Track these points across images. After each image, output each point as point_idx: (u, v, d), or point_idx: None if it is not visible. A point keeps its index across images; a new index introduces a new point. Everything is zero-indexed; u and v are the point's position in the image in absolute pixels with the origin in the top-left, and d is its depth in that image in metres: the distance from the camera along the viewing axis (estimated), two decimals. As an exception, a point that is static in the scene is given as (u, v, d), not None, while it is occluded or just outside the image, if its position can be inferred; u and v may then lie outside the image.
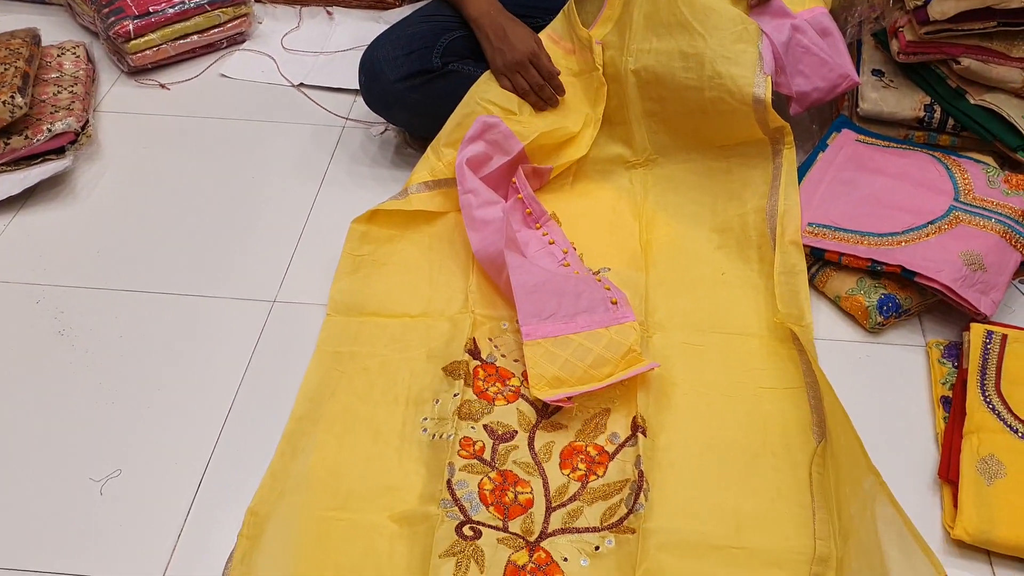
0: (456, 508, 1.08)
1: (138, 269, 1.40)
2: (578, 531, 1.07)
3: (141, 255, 1.43)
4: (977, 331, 1.21)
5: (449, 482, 1.10)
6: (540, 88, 1.46)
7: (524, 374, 1.22)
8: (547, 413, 1.19)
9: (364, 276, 1.36)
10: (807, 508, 1.08)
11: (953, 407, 1.17)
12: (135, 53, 1.79)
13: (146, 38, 1.79)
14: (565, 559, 1.05)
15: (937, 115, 1.45)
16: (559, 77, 1.48)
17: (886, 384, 1.24)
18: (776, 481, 1.11)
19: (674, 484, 1.11)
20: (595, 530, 1.07)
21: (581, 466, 1.14)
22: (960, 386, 1.18)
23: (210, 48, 1.89)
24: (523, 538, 1.06)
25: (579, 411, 1.19)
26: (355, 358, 1.26)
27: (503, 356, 1.26)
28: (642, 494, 1.08)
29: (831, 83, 1.43)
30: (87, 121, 1.62)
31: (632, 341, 1.21)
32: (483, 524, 1.07)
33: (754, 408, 1.19)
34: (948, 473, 1.10)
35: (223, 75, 1.85)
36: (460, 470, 1.12)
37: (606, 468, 1.13)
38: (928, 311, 1.32)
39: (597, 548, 1.05)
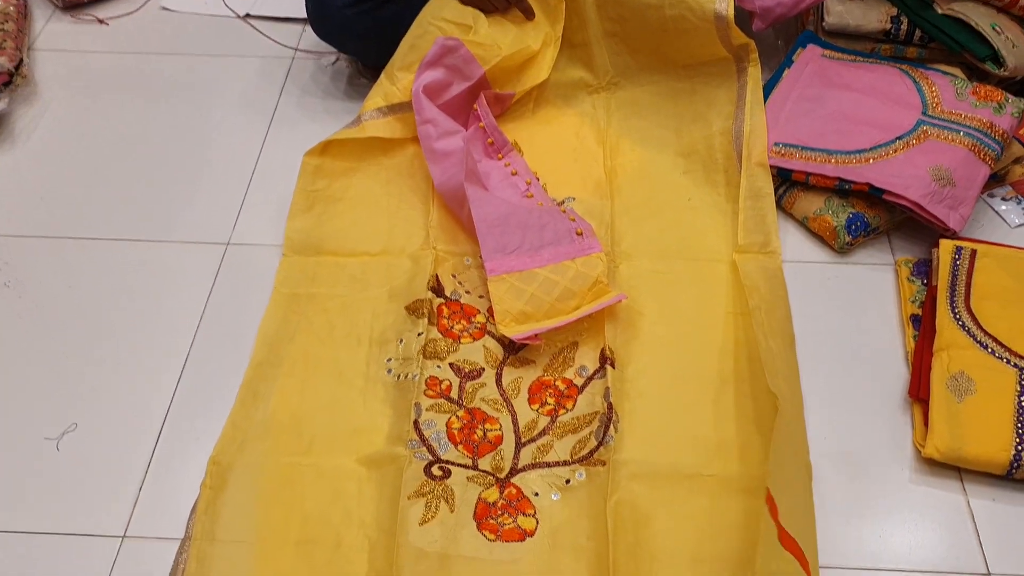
0: (424, 448, 1.06)
1: (84, 215, 1.35)
2: (548, 465, 1.06)
3: (86, 200, 1.37)
4: (946, 247, 1.20)
5: (416, 422, 1.08)
6: (492, 9, 1.40)
7: (490, 310, 1.19)
8: (514, 349, 1.16)
9: (319, 213, 1.32)
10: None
11: (923, 325, 1.16)
12: (69, -13, 1.70)
13: (80, -30, 1.70)
14: (536, 494, 1.03)
15: (904, 26, 1.41)
16: None
17: (856, 304, 1.22)
18: (746, 407, 1.10)
19: (643, 414, 1.09)
20: (565, 464, 1.06)
21: (550, 400, 1.12)
22: (930, 303, 1.17)
23: (149, -21, 1.80)
24: (493, 475, 1.05)
25: (547, 346, 1.17)
26: (314, 299, 1.22)
27: (467, 292, 1.23)
28: (612, 426, 1.06)
29: None
30: (21, 60, 1.54)
31: (599, 272, 1.18)
32: (452, 463, 1.05)
33: (723, 334, 1.17)
34: (919, 392, 1.09)
35: (164, 8, 1.76)
36: (427, 410, 1.10)
37: (575, 401, 1.11)
38: (897, 229, 1.30)
39: (568, 481, 1.04)
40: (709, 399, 1.11)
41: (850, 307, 1.22)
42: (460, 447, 1.07)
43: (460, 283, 1.24)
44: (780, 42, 1.58)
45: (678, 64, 1.42)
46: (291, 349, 1.17)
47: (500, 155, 1.38)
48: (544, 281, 1.18)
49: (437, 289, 1.22)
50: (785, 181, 1.31)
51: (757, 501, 1.00)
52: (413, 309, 1.20)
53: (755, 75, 1.36)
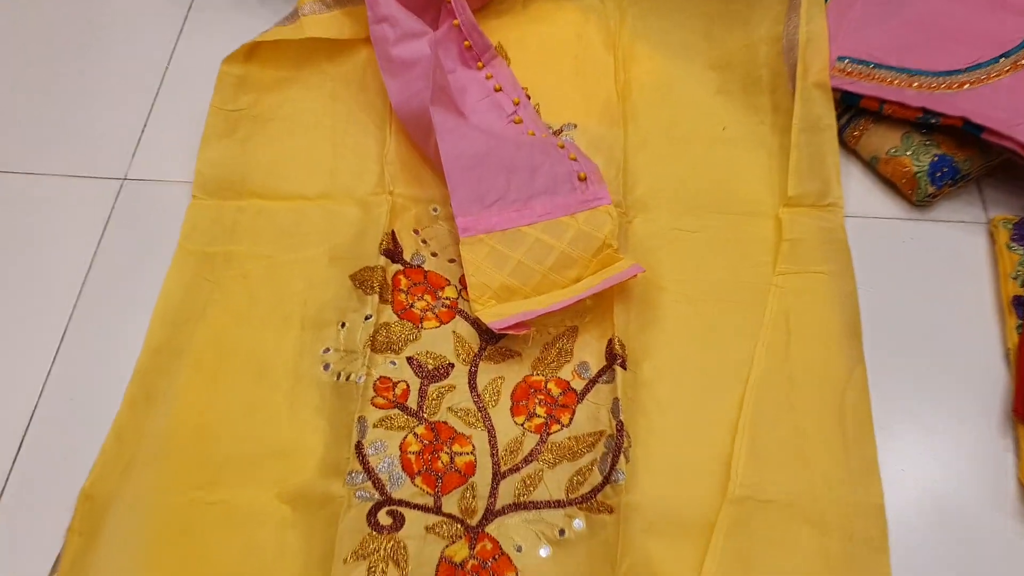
0: (369, 483, 0.79)
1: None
2: (536, 506, 0.79)
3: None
4: (1062, 206, 0.91)
5: (359, 445, 0.81)
6: None
7: (462, 280, 0.91)
8: (494, 337, 0.89)
9: (242, 140, 1.02)
10: (842, 440, 0.82)
11: (1031, 313, 0.88)
12: None
13: None
14: (519, 548, 0.77)
15: (1006, -99, 1.09)
16: None
17: (939, 277, 0.94)
18: (804, 406, 0.84)
19: (662, 434, 0.82)
20: (559, 505, 0.79)
21: (540, 411, 0.84)
22: (1039, 282, 0.89)
23: None
24: (461, 521, 0.78)
25: (538, 332, 0.89)
26: (231, 260, 0.94)
27: (434, 255, 0.94)
28: (622, 454, 0.80)
29: None
30: None
31: (607, 232, 0.89)
32: (407, 504, 0.79)
33: (772, 307, 0.89)
34: (1026, 408, 0.82)
35: None
36: (375, 426, 0.83)
37: (573, 414, 0.84)
38: (990, 176, 1.01)
39: (562, 532, 0.78)
40: (752, 406, 0.83)
41: (932, 281, 0.94)
42: (418, 479, 0.80)
43: (425, 241, 0.95)
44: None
45: None
46: (199, 331, 0.89)
47: (480, 63, 1.06)
48: (535, 244, 0.89)
49: (393, 252, 0.93)
50: (850, 109, 1.02)
51: (827, 537, 0.76)
52: (360, 280, 0.91)
53: None
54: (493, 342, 0.88)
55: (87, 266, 0.94)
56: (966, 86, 0.97)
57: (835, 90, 1.00)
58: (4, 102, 1.09)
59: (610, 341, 0.87)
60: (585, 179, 0.93)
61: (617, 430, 0.81)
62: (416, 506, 0.79)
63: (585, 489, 0.80)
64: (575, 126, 1.03)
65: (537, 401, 0.85)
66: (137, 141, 1.05)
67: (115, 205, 0.99)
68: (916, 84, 0.98)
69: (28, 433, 0.84)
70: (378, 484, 0.79)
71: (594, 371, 0.86)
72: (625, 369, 0.85)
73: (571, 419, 0.84)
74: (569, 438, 0.83)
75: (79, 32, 1.16)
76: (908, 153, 0.98)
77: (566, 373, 0.86)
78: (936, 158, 0.97)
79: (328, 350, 0.88)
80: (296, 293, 0.91)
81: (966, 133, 0.95)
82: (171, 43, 1.14)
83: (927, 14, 1.03)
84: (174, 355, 0.87)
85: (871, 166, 1.01)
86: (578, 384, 0.86)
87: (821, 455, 0.81)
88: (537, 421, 0.84)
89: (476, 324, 0.89)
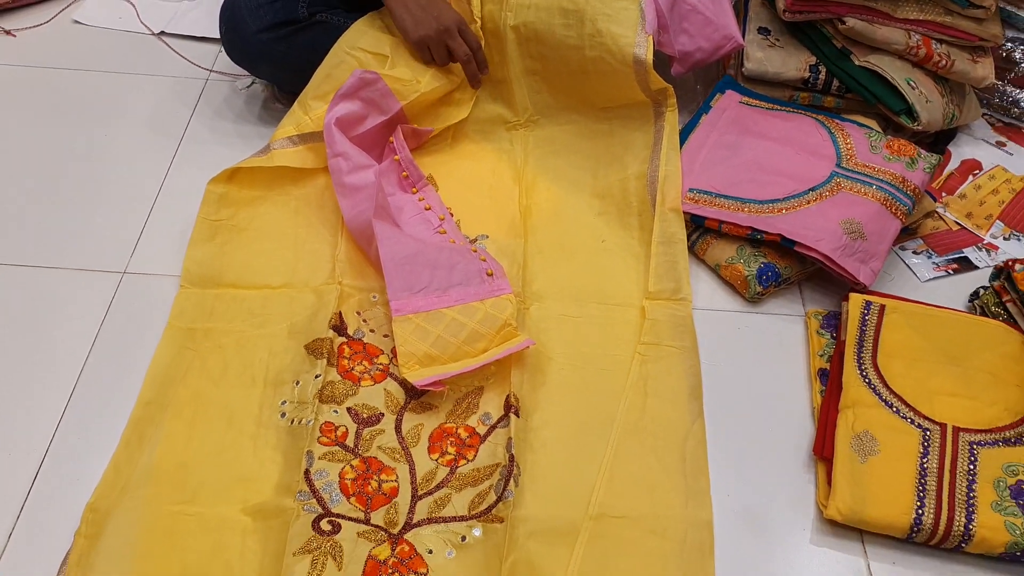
0: (314, 500, 1.01)
1: (-26, 237, 1.28)
2: (445, 520, 1.02)
3: (-23, 222, 1.31)
4: (855, 301, 1.19)
5: (307, 472, 1.03)
6: (467, 61, 1.36)
7: (393, 351, 1.15)
8: (416, 394, 1.13)
9: (222, 243, 1.27)
10: (681, 473, 1.06)
11: (830, 381, 1.15)
12: (-26, -5, 1.63)
13: (-13, -22, 1.63)
14: (430, 551, 0.99)
15: (822, 76, 1.42)
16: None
17: (765, 355, 1.21)
18: (653, 446, 1.08)
19: (545, 467, 1.06)
20: (462, 519, 1.02)
21: (451, 450, 1.08)
22: (838, 358, 1.16)
23: (62, -10, 1.74)
24: (385, 530, 1.00)
25: (451, 390, 1.13)
26: (209, 335, 1.17)
27: (372, 331, 1.19)
28: (512, 480, 1.03)
29: (715, 44, 1.39)
30: (-85, 71, 1.47)
31: (508, 315, 1.15)
32: (343, 517, 1.01)
33: (633, 373, 1.15)
34: (823, 450, 1.08)
35: (76, 21, 1.70)
36: (320, 458, 1.05)
37: (476, 451, 1.08)
38: (808, 280, 1.29)
39: (464, 539, 1.00)
40: (615, 446, 1.08)
41: (759, 358, 1.21)
42: (352, 499, 1.03)
43: (365, 320, 1.20)
44: (699, 87, 1.57)
45: (597, 106, 1.41)
46: (181, 389, 1.11)
47: (414, 189, 1.35)
48: (451, 322, 1.14)
49: (339, 327, 1.18)
50: (698, 228, 1.30)
51: (666, 543, 1.00)
52: (313, 349, 1.15)
53: (672, 120, 1.35)
54: (416, 397, 1.12)
55: (93, 337, 1.17)
56: (784, 211, 1.26)
57: (687, 213, 1.29)
58: (30, 210, 1.32)
59: (507, 396, 1.11)
60: (492, 274, 1.19)
61: (509, 461, 1.04)
62: (350, 518, 1.01)
63: (483, 507, 1.02)
64: (487, 236, 1.30)
65: (449, 442, 1.09)
66: (136, 241, 1.29)
67: (116, 292, 1.22)
68: (746, 209, 1.27)
69: (43, 463, 1.04)
70: (321, 501, 1.01)
71: (495, 419, 1.11)
72: (518, 417, 1.09)
73: (475, 455, 1.07)
74: (473, 470, 1.06)
75: (94, 152, 1.42)
76: (741, 261, 1.26)
77: (473, 421, 1.11)
78: (763, 265, 1.25)
79: (285, 402, 1.11)
80: (260, 359, 1.15)
81: (784, 246, 1.24)
82: (166, 166, 1.40)
83: (755, 158, 1.33)
84: (160, 408, 1.09)
85: (715, 271, 1.29)
86: (481, 429, 1.10)
87: (665, 484, 1.05)
88: (448, 457, 1.07)
89: (403, 384, 1.13)
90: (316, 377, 1.12)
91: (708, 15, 1.36)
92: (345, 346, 1.16)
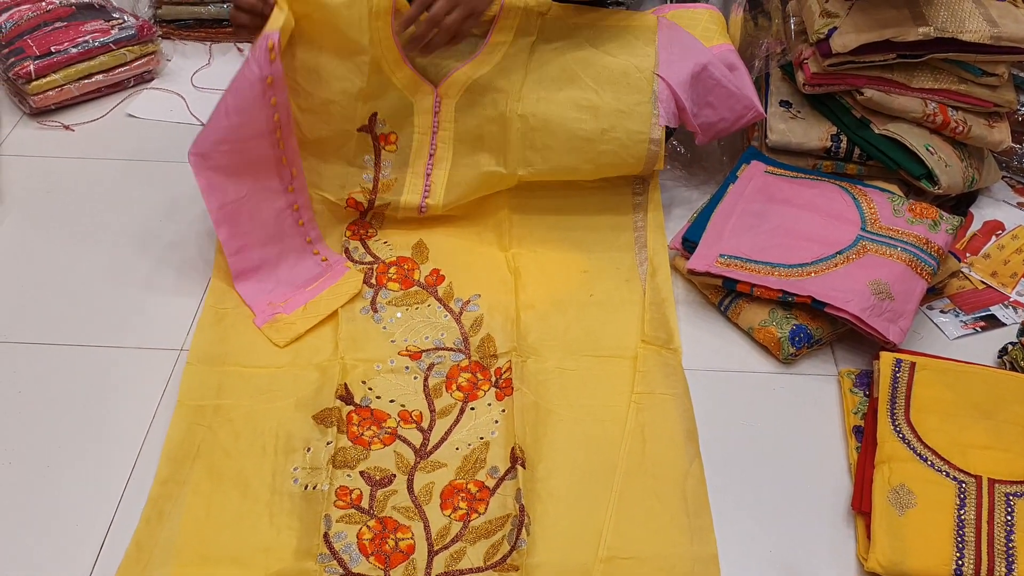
0: (335, 562, 1.06)
1: (38, 319, 1.35)
2: (462, 573, 1.06)
3: (41, 304, 1.38)
4: (886, 360, 1.23)
5: (326, 535, 1.08)
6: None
7: (401, 414, 1.22)
8: (425, 454, 1.18)
9: (228, 327, 1.32)
10: (684, 512, 1.12)
11: (865, 437, 1.18)
12: (37, 94, 1.73)
13: (48, 79, 1.74)
14: None
15: (844, 145, 1.48)
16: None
17: (800, 415, 1.24)
18: (655, 488, 1.13)
19: (554, 515, 1.11)
20: (479, 570, 1.06)
21: (462, 505, 1.13)
22: (871, 415, 1.19)
23: (117, 87, 1.84)
24: None
25: (458, 447, 1.19)
26: (219, 411, 1.21)
27: (378, 398, 1.24)
28: (523, 529, 1.07)
29: (737, 114, 1.45)
30: (-16, 166, 1.56)
31: (355, 284, 1.35)
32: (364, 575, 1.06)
33: (631, 421, 1.20)
34: (861, 504, 1.10)
35: (130, 115, 1.80)
36: (337, 521, 1.10)
37: (487, 505, 1.13)
38: (839, 340, 1.33)
39: None
40: (619, 490, 1.13)
41: (795, 417, 1.24)
42: (372, 559, 1.07)
43: (370, 388, 1.25)
44: (725, 158, 1.64)
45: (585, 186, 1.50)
46: (196, 464, 1.15)
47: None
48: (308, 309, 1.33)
49: (346, 397, 1.23)
50: (730, 292, 1.35)
51: None
52: (322, 418, 1.20)
53: (656, 191, 1.47)
54: (424, 457, 1.18)
55: (153, 413, 1.21)
56: (812, 274, 1.31)
57: (718, 277, 1.34)
58: (89, 292, 1.39)
59: (512, 449, 1.16)
60: (327, 260, 1.38)
61: (520, 511, 1.09)
62: None
63: (498, 557, 1.07)
64: (480, 295, 1.37)
65: (460, 498, 1.13)
66: (191, 321, 1.35)
67: (174, 369, 1.28)
68: (776, 273, 1.31)
69: (107, 536, 1.09)
70: (341, 562, 1.06)
71: (502, 472, 1.16)
72: (524, 468, 1.14)
73: (486, 508, 1.12)
74: (485, 522, 1.11)
75: (149, 241, 1.50)
76: (774, 324, 1.30)
77: (481, 476, 1.16)
78: (795, 327, 1.29)
79: (297, 468, 1.15)
80: (270, 429, 1.18)
81: (815, 308, 1.28)
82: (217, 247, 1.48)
83: (782, 224, 1.38)
84: (178, 484, 1.12)
85: (749, 334, 1.33)
86: (490, 483, 1.15)
87: (669, 524, 1.10)
88: (460, 512, 1.12)
89: (411, 445, 1.18)
90: (328, 444, 1.16)
91: (732, 88, 1.43)
92: (353, 414, 1.21)
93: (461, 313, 1.35)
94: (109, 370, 1.28)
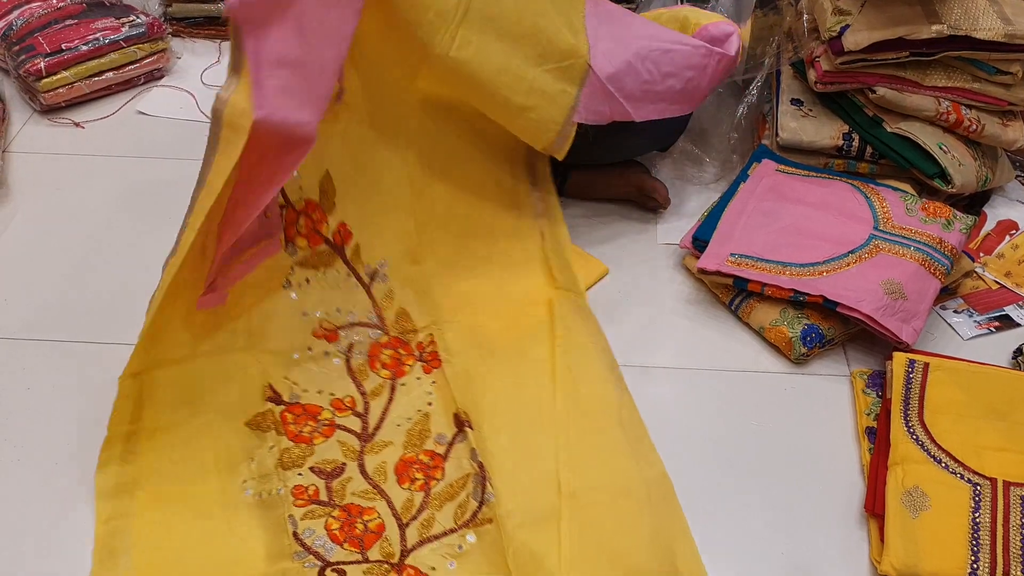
0: (311, 556, 1.07)
1: (47, 316, 1.35)
2: (437, 538, 1.08)
3: (50, 301, 1.38)
4: (899, 360, 1.21)
5: (296, 534, 1.08)
6: None
7: (333, 403, 1.22)
8: (367, 436, 1.19)
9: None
10: (625, 440, 1.16)
11: (878, 438, 1.17)
12: (47, 92, 1.74)
13: (59, 76, 1.74)
14: (433, 568, 1.06)
15: (855, 143, 1.47)
16: None
17: (812, 416, 1.23)
18: (595, 424, 1.17)
19: (511, 467, 1.13)
20: (453, 531, 1.09)
21: (419, 475, 1.15)
22: (884, 416, 1.18)
23: (127, 85, 1.84)
24: (386, 562, 1.06)
25: (399, 423, 1.21)
26: (150, 433, 1.14)
27: (305, 391, 1.22)
28: (487, 483, 1.09)
29: (702, 63, 1.37)
30: (-6, 163, 1.56)
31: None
32: (343, 563, 1.06)
33: (559, 365, 1.22)
34: (874, 506, 1.09)
35: (140, 112, 1.80)
36: (302, 519, 1.10)
37: (443, 470, 1.15)
38: (852, 340, 1.32)
39: (460, 547, 1.07)
40: (565, 429, 1.16)
41: (806, 419, 1.23)
42: (346, 545, 1.08)
43: (295, 384, 1.23)
44: (736, 156, 1.62)
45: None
46: (138, 495, 1.10)
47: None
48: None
49: (275, 398, 1.21)
50: (741, 291, 1.34)
51: (635, 501, 1.09)
52: (256, 424, 1.18)
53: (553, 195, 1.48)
54: (368, 440, 1.18)
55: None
56: (824, 274, 1.30)
57: (728, 276, 1.33)
58: (102, 290, 1.39)
59: (456, 415, 1.19)
60: (269, 216, 1.18)
61: (479, 469, 1.11)
62: (350, 562, 1.06)
63: (468, 515, 1.09)
64: (386, 263, 1.32)
65: (415, 469, 1.15)
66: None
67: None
68: (788, 272, 1.31)
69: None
70: (318, 555, 1.06)
71: (450, 437, 1.18)
72: (472, 429, 1.16)
73: (443, 473, 1.14)
74: (446, 486, 1.13)
75: (160, 237, 1.49)
76: (785, 323, 1.29)
77: (430, 444, 1.18)
78: (806, 327, 1.28)
79: (245, 480, 1.13)
80: (207, 447, 1.13)
81: (827, 307, 1.27)
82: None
83: (793, 223, 1.37)
84: (124, 519, 1.07)
85: (759, 334, 1.33)
86: (441, 449, 1.17)
87: (615, 454, 1.14)
88: (419, 483, 1.14)
89: (352, 432, 1.19)
90: (271, 448, 1.16)
91: (687, 47, 1.36)
92: (286, 413, 1.20)
93: (371, 284, 1.31)
94: (119, 367, 1.28)
